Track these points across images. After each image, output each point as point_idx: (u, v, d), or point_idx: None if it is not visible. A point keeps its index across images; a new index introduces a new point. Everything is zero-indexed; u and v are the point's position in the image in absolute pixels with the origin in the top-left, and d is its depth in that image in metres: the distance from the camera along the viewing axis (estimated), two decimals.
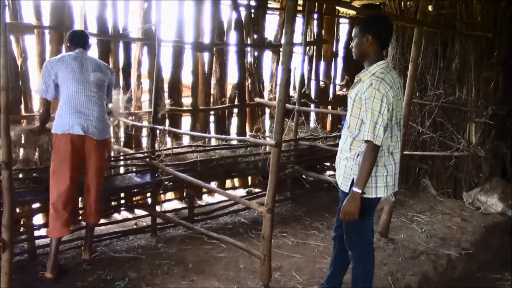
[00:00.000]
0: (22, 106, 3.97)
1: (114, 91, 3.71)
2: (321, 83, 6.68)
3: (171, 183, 4.14)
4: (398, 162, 2.70)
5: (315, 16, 6.32)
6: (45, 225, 3.94)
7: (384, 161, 2.62)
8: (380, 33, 2.60)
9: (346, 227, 2.77)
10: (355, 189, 2.53)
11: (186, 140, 4.96)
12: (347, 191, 2.65)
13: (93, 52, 4.33)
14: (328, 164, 5.89)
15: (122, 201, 4.31)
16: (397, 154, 2.68)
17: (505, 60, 5.37)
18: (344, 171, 2.70)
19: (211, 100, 5.30)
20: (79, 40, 3.44)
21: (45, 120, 3.47)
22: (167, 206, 4.68)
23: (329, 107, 6.92)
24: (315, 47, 6.44)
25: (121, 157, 4.17)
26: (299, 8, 5.44)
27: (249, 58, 5.56)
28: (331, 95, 6.89)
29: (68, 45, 3.47)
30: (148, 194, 4.38)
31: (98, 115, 3.32)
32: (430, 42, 5.60)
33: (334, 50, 6.84)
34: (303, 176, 5.15)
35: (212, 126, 5.37)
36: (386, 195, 2.69)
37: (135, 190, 4.21)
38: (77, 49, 3.40)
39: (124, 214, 4.47)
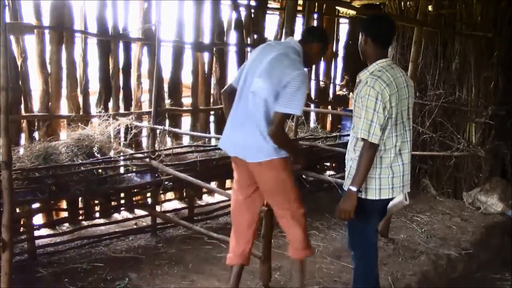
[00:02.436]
0: (22, 106, 3.97)
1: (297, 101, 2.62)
2: (321, 83, 6.67)
3: (171, 183, 4.14)
4: (408, 163, 2.66)
5: (315, 16, 6.32)
6: (45, 225, 3.97)
7: (390, 162, 2.58)
8: (377, 33, 2.60)
9: (350, 228, 2.77)
10: (350, 187, 2.52)
11: (186, 140, 4.96)
12: None
13: (93, 52, 4.35)
14: (328, 164, 5.88)
15: (122, 201, 4.32)
16: (405, 155, 2.64)
17: (505, 60, 5.37)
18: (349, 172, 2.69)
19: (211, 100, 5.30)
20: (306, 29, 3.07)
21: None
22: (167, 206, 4.68)
23: (329, 107, 6.92)
24: None
25: (121, 157, 4.17)
26: (299, 8, 5.44)
27: None
28: (331, 95, 6.89)
29: None
30: (148, 194, 4.38)
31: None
32: (430, 42, 5.60)
33: (334, 50, 6.83)
34: (303, 176, 5.15)
35: (212, 126, 5.37)
36: (401, 198, 2.68)
37: (135, 190, 4.22)
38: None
39: (124, 214, 4.47)
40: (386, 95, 2.47)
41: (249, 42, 5.47)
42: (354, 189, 2.51)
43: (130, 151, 4.28)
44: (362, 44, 2.63)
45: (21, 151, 3.75)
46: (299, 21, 5.59)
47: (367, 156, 2.49)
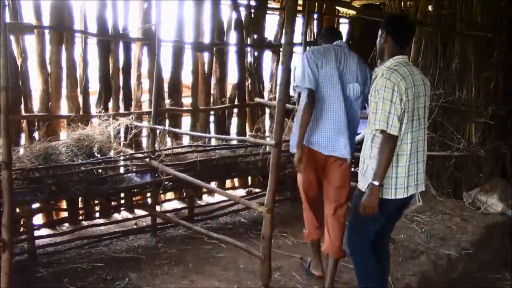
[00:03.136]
0: (22, 106, 3.97)
1: None
2: None
3: (171, 183, 4.14)
4: (422, 161, 2.68)
5: (315, 16, 6.32)
6: (45, 225, 3.97)
7: (406, 160, 2.59)
8: (395, 32, 2.65)
9: (350, 227, 2.80)
10: (373, 182, 2.52)
11: (186, 140, 4.96)
12: (363, 189, 2.64)
13: (93, 52, 4.35)
14: None
15: (122, 201, 4.32)
16: (420, 153, 2.66)
17: (505, 60, 5.38)
18: (365, 170, 2.68)
19: (211, 100, 5.30)
20: (333, 30, 3.32)
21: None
22: (167, 206, 4.68)
23: None
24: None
25: (121, 157, 4.16)
26: (299, 8, 5.44)
27: (249, 58, 5.55)
28: None
29: (321, 41, 3.14)
30: (148, 194, 4.38)
31: None
32: (430, 42, 5.59)
33: None
34: None
35: (212, 126, 5.37)
36: (414, 199, 2.69)
37: (135, 190, 4.21)
38: (337, 41, 3.07)
39: (124, 214, 4.47)
40: (402, 87, 2.49)
41: (249, 42, 5.47)
42: (376, 183, 2.52)
43: (130, 151, 4.28)
44: (381, 41, 2.68)
45: (21, 151, 3.75)
46: (299, 21, 5.59)
47: (387, 147, 2.50)
